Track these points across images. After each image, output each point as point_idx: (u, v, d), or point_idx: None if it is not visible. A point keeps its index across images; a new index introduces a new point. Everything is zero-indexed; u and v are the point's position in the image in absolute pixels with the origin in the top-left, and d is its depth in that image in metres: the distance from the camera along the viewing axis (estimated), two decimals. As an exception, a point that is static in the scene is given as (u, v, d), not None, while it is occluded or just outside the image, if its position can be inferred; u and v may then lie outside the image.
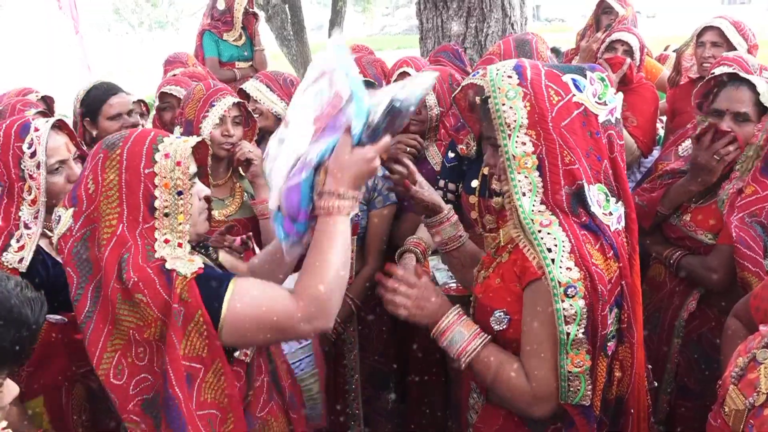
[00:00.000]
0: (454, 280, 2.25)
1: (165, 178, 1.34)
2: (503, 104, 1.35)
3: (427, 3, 3.96)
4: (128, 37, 20.19)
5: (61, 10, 7.81)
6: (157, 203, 1.33)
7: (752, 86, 1.97)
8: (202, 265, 1.34)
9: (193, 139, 1.42)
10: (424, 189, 1.68)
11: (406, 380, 2.72)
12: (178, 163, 1.35)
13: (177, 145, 1.37)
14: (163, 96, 3.03)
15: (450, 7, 3.85)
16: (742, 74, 2.03)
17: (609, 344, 1.39)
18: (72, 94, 2.84)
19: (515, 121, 1.34)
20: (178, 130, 2.32)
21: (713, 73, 2.19)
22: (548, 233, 1.33)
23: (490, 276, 1.50)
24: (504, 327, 1.43)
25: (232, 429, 1.37)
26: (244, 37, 4.59)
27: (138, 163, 1.34)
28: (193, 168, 1.41)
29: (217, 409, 1.36)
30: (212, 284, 1.32)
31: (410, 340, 2.63)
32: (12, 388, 1.06)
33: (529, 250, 1.36)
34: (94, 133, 2.67)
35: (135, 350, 1.32)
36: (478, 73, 1.60)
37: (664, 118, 3.55)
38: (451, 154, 2.41)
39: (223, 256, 1.68)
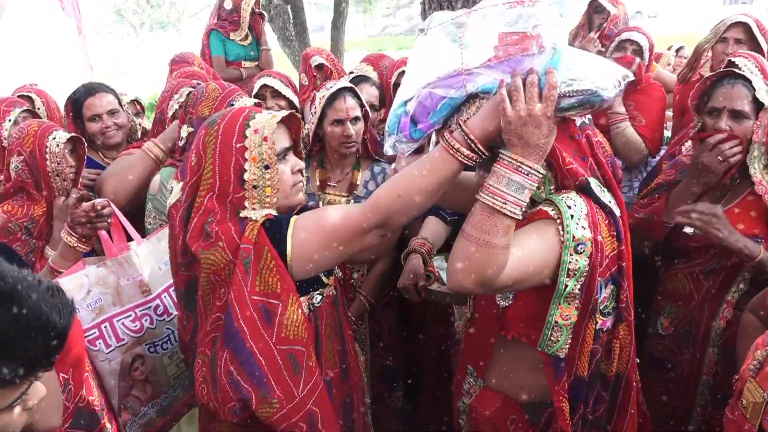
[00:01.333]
0: None
1: (253, 152, 1.42)
2: None
3: (432, 3, 3.95)
4: (129, 38, 20.19)
5: (64, 11, 7.82)
6: (246, 176, 1.43)
7: (748, 83, 1.96)
8: (275, 213, 1.44)
9: (281, 114, 1.49)
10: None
11: (414, 379, 2.72)
12: (265, 139, 1.43)
13: (265, 121, 1.45)
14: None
15: (455, 7, 3.84)
16: (737, 71, 2.02)
17: (605, 319, 1.44)
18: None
19: None
20: (186, 129, 2.30)
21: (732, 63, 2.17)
22: (568, 197, 1.37)
23: None
24: (509, 303, 1.46)
25: (315, 363, 1.45)
26: (250, 37, 4.59)
27: (231, 138, 1.43)
28: (283, 143, 1.48)
29: (301, 345, 1.43)
30: (277, 224, 1.42)
31: (419, 337, 2.64)
32: (39, 390, 1.05)
33: (549, 206, 1.38)
34: (86, 135, 2.63)
35: (218, 290, 1.45)
36: None
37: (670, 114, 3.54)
38: None
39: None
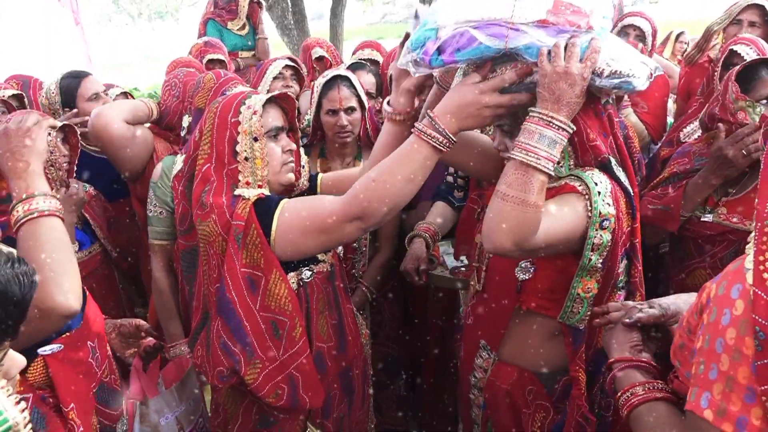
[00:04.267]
0: (463, 265, 2.25)
1: (245, 125, 1.54)
2: None
3: (431, -11, 3.91)
4: (128, 28, 20.09)
5: (60, 2, 7.76)
6: (238, 147, 1.55)
7: None
8: (268, 193, 1.54)
9: (273, 93, 1.62)
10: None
11: (416, 369, 2.72)
12: (255, 113, 1.55)
13: (256, 98, 1.58)
14: None
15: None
16: (739, 59, 1.98)
17: (619, 293, 1.51)
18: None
19: None
20: (186, 118, 2.30)
21: (733, 52, 2.12)
22: (593, 174, 1.41)
23: None
24: (529, 276, 1.50)
25: (301, 333, 1.55)
26: (247, 27, 4.56)
27: (227, 113, 1.57)
28: (275, 122, 1.60)
29: (284, 316, 1.53)
30: (267, 204, 1.51)
31: (421, 328, 2.64)
32: (18, 360, 1.04)
33: (575, 181, 1.41)
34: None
35: (212, 262, 1.57)
36: None
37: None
38: None
39: None
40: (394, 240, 2.42)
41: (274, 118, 1.61)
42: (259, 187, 1.57)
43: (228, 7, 4.51)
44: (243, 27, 4.55)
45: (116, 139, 2.41)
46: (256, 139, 1.55)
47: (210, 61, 3.57)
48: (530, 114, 1.29)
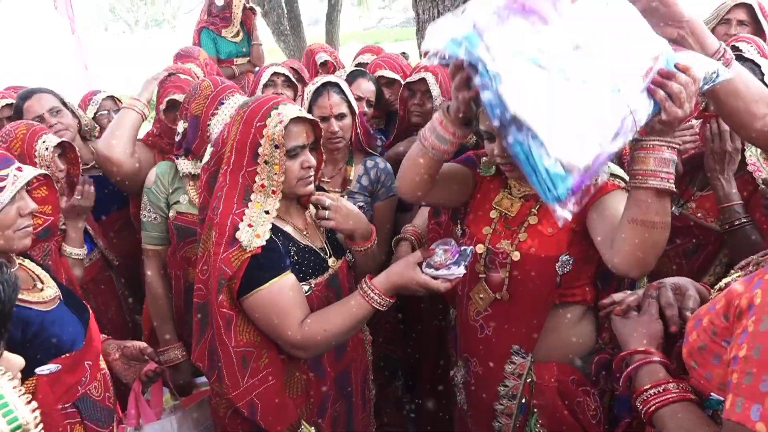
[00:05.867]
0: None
1: (269, 130, 1.57)
2: None
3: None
4: (125, 36, 20.12)
5: (56, 10, 7.80)
6: (260, 150, 1.59)
7: (757, 67, 1.95)
8: (263, 244, 1.58)
9: (307, 115, 1.65)
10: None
11: (414, 370, 2.74)
12: (281, 122, 1.58)
13: (288, 109, 1.61)
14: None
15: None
16: (746, 55, 1.98)
17: None
18: (69, 94, 2.80)
19: None
20: (182, 124, 2.32)
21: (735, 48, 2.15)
22: (618, 168, 1.60)
23: (538, 227, 1.64)
24: (568, 270, 1.60)
25: (267, 364, 1.64)
26: (242, 33, 4.57)
27: (254, 118, 1.60)
28: (296, 141, 1.62)
29: (253, 347, 1.64)
30: (261, 268, 1.59)
31: (418, 329, 2.65)
32: (16, 361, 1.06)
33: (614, 178, 1.58)
34: None
35: (201, 267, 1.68)
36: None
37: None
38: None
39: None
40: (388, 242, 2.44)
41: (298, 135, 1.63)
42: (273, 193, 1.62)
43: (222, 15, 4.51)
44: (237, 34, 4.55)
45: (127, 177, 2.42)
46: (277, 147, 1.58)
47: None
48: (649, 143, 1.33)
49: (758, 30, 2.87)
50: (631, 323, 1.32)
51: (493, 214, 1.74)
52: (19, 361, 1.07)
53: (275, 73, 3.03)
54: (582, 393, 1.67)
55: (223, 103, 2.21)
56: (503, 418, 1.76)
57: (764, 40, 2.81)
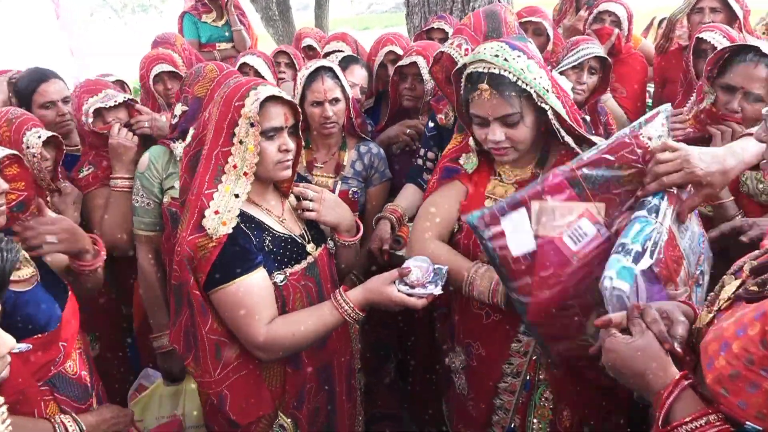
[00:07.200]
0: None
1: (247, 109, 1.56)
2: (534, 78, 1.58)
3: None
4: (111, 22, 19.82)
5: (41, -6, 7.66)
6: (236, 129, 1.57)
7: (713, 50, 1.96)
8: (229, 232, 1.56)
9: (286, 95, 1.64)
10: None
11: (406, 353, 2.76)
12: (257, 99, 1.56)
13: (266, 89, 1.60)
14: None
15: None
16: (764, 50, 1.91)
17: None
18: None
19: (547, 84, 1.60)
20: (180, 107, 2.30)
21: (700, 40, 2.17)
22: None
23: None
24: None
25: (240, 354, 1.65)
26: (225, 17, 4.48)
27: (233, 97, 1.59)
28: (273, 122, 1.61)
29: (226, 338, 1.64)
30: (229, 264, 1.57)
31: (409, 312, 2.67)
32: (7, 340, 1.06)
33: None
34: None
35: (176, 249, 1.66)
36: (453, 44, 1.92)
37: (652, 88, 3.56)
38: (431, 124, 2.47)
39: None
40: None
41: (275, 116, 1.61)
42: (245, 175, 1.59)
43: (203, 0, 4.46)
44: (219, 18, 4.47)
45: (127, 241, 2.42)
46: (252, 125, 1.56)
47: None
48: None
49: (732, 16, 2.89)
50: (628, 346, 1.16)
51: (488, 203, 1.75)
52: (9, 340, 1.07)
53: (244, 64, 3.02)
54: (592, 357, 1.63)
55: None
56: (506, 395, 1.78)
57: (737, 25, 2.84)
